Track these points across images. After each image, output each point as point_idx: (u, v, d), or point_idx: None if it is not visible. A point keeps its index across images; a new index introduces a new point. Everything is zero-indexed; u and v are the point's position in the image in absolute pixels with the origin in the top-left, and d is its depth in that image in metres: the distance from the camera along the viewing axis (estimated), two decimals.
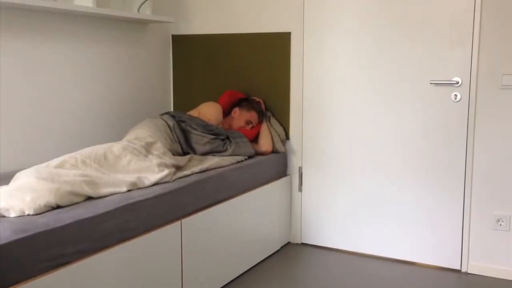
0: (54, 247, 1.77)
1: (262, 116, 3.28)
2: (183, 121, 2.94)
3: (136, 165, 2.40)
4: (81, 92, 3.01)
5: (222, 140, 2.98)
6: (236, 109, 3.27)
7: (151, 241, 2.18)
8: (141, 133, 2.69)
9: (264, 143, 3.17)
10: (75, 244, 1.84)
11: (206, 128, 2.97)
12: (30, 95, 2.72)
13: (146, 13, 3.28)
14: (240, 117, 3.25)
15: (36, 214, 1.87)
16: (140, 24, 3.41)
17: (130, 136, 2.68)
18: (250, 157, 3.06)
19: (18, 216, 1.85)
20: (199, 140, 2.90)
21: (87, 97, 3.05)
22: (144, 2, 3.24)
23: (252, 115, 3.25)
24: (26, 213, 1.87)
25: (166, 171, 2.42)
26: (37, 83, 2.75)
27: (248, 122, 3.24)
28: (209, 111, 3.19)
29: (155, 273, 2.22)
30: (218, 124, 3.16)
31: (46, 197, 1.93)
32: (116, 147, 2.43)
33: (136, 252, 2.10)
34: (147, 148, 2.54)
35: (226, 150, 2.95)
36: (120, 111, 3.29)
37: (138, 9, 3.25)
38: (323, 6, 3.15)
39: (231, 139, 3.01)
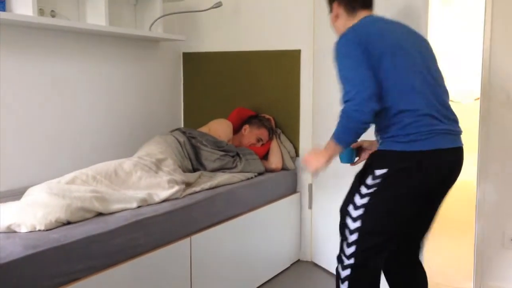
0: (64, 263, 1.77)
1: (272, 133, 3.29)
2: (193, 137, 2.96)
3: (147, 182, 2.41)
4: (92, 109, 3.04)
5: (232, 157, 2.99)
6: (246, 126, 3.29)
7: (161, 258, 2.18)
8: (152, 149, 2.70)
9: (274, 160, 3.17)
10: (85, 260, 1.85)
11: (216, 144, 2.98)
12: (42, 112, 2.75)
13: (158, 31, 3.33)
14: (250, 134, 3.26)
15: (47, 230, 1.88)
16: (151, 42, 3.45)
17: (141, 152, 2.70)
18: (260, 174, 3.06)
19: (29, 232, 1.86)
20: (209, 156, 2.91)
21: (99, 114, 3.08)
22: (155, 20, 3.28)
23: (263, 132, 3.26)
24: (37, 228, 1.88)
25: (176, 188, 2.43)
26: (49, 100, 2.79)
27: (258, 140, 3.25)
28: (219, 128, 3.20)
29: None
30: (228, 141, 3.17)
31: (57, 213, 1.94)
32: (126, 163, 2.45)
33: (146, 268, 2.10)
34: (157, 165, 2.55)
35: (236, 166, 2.95)
36: (131, 127, 3.32)
37: (150, 28, 3.30)
38: None
39: (241, 156, 3.01)
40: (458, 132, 1.96)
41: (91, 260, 1.87)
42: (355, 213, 1.90)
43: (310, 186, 3.32)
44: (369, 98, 1.79)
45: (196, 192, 2.55)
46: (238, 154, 3.02)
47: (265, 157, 3.22)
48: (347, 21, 2.06)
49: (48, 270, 1.72)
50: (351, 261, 1.87)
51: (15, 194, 2.38)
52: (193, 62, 3.70)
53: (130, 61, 3.29)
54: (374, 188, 1.89)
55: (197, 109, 3.70)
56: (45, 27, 2.68)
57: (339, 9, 2.10)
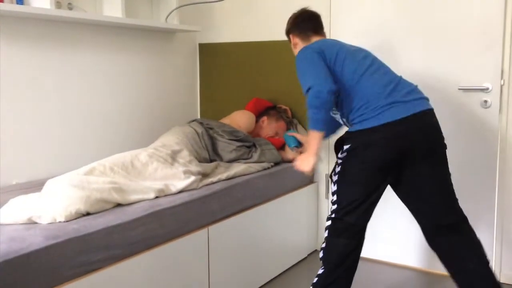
0: (84, 253, 1.80)
1: (290, 125, 3.28)
2: (211, 128, 2.96)
3: (163, 172, 2.42)
4: (110, 101, 3.07)
5: (248, 147, 2.99)
6: (265, 118, 3.28)
7: (179, 248, 2.20)
8: (168, 140, 2.72)
9: (291, 151, 3.16)
10: (104, 250, 1.87)
11: (233, 134, 2.98)
12: (62, 104, 2.78)
13: (174, 22, 3.33)
14: (269, 127, 3.25)
15: (67, 221, 1.91)
16: (167, 33, 3.46)
17: (157, 143, 2.71)
18: (276, 164, 3.06)
19: (50, 223, 1.89)
20: (226, 147, 2.91)
21: (116, 105, 3.11)
22: (172, 11, 3.29)
23: (281, 125, 3.25)
24: (58, 220, 1.90)
25: (192, 178, 2.44)
26: (68, 92, 2.82)
27: (276, 133, 3.25)
28: (241, 119, 3.20)
29: (182, 280, 2.23)
30: (248, 132, 3.17)
31: (77, 205, 1.97)
32: (143, 154, 2.47)
33: (164, 258, 2.12)
34: (173, 156, 2.56)
35: (251, 157, 2.95)
36: (148, 118, 3.34)
37: (166, 19, 3.30)
38: (349, 12, 3.14)
39: (257, 146, 3.01)
40: (408, 101, 2.16)
41: (110, 250, 1.89)
42: (334, 178, 2.27)
43: (327, 176, 3.31)
44: (325, 80, 2.15)
45: (213, 183, 2.56)
46: (254, 145, 3.02)
47: (282, 147, 3.21)
48: (304, 46, 2.39)
49: (68, 260, 1.74)
50: (332, 215, 2.24)
51: (35, 186, 2.42)
52: (209, 53, 3.70)
53: (147, 52, 3.31)
54: (343, 160, 2.23)
55: (213, 100, 3.71)
56: (62, 20, 2.70)
57: (295, 39, 2.53)
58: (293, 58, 3.43)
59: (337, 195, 2.24)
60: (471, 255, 2.18)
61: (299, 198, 3.13)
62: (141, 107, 3.29)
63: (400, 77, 2.27)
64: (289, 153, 3.15)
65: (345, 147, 2.21)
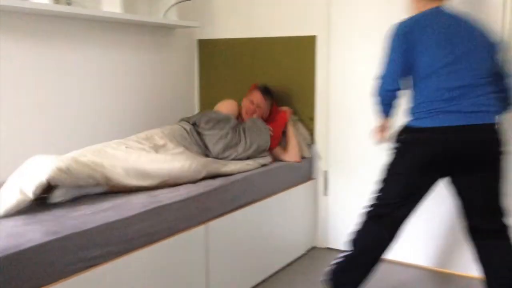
0: (82, 249, 1.80)
1: (269, 95, 3.21)
2: (196, 124, 2.94)
3: (148, 157, 2.42)
4: (108, 97, 3.06)
5: (234, 129, 2.95)
6: (244, 98, 3.23)
7: (177, 244, 2.20)
8: (152, 133, 2.72)
9: (292, 154, 3.13)
10: (103, 246, 1.87)
11: (215, 118, 2.95)
12: (60, 100, 2.77)
13: (173, 18, 3.32)
14: (245, 100, 3.21)
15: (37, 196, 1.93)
16: (166, 29, 3.45)
17: (141, 135, 2.70)
18: (276, 161, 3.06)
19: (48, 216, 1.88)
20: (211, 139, 2.87)
21: (115, 101, 3.10)
22: (170, 7, 3.28)
23: (254, 94, 3.17)
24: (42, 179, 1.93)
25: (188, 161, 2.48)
26: (66, 88, 2.81)
27: (251, 102, 3.16)
28: (221, 106, 3.19)
29: (181, 276, 2.24)
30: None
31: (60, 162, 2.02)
32: (123, 146, 2.48)
33: (163, 254, 2.13)
34: (156, 150, 2.56)
35: (240, 141, 2.92)
36: (147, 114, 3.33)
37: (165, 14, 3.29)
38: (348, 9, 3.14)
39: (244, 128, 2.98)
40: (468, 112, 2.13)
41: (109, 246, 1.89)
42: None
43: (326, 173, 3.31)
44: (390, 77, 2.25)
45: (212, 178, 2.55)
46: (239, 126, 2.99)
47: (281, 142, 3.17)
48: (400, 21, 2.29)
49: (67, 256, 1.74)
50: (374, 202, 2.32)
51: None
52: (208, 49, 3.69)
53: (146, 48, 3.30)
54: (393, 152, 2.30)
55: (212, 96, 3.70)
56: (61, 15, 2.69)
57: None
58: (292, 56, 3.40)
59: (382, 185, 2.31)
60: (504, 262, 2.21)
61: (297, 194, 3.14)
62: (139, 102, 3.28)
63: (480, 84, 2.16)
64: (290, 156, 3.12)
65: (398, 140, 2.28)
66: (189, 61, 3.70)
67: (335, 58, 3.21)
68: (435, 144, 2.16)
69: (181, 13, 3.43)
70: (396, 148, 2.28)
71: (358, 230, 2.34)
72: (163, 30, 3.42)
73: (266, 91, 3.21)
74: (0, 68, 2.48)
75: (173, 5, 3.27)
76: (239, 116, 3.21)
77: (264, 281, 2.83)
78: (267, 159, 3.01)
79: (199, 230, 2.33)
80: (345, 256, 2.34)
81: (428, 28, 2.19)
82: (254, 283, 2.76)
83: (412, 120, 2.23)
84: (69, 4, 2.73)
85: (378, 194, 2.31)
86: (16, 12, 2.51)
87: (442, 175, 2.25)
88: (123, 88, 3.16)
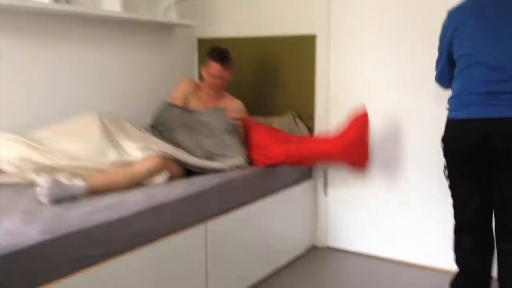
0: (81, 248, 1.79)
1: (227, 62, 2.97)
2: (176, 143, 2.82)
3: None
4: (108, 95, 3.06)
5: (196, 119, 2.85)
6: (202, 67, 3.07)
7: (177, 243, 2.20)
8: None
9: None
10: (101, 245, 1.87)
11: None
12: (58, 98, 2.77)
13: (172, 17, 3.32)
14: (205, 75, 3.00)
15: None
16: (166, 27, 3.44)
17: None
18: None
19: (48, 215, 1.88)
20: (189, 151, 2.76)
21: (113, 99, 3.10)
22: (170, 6, 3.27)
23: (212, 67, 2.93)
24: None
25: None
26: (65, 86, 2.81)
27: (214, 77, 2.95)
28: (173, 92, 3.08)
29: (180, 275, 2.23)
30: (186, 96, 3.03)
31: None
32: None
33: (161, 254, 2.12)
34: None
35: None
36: (146, 113, 3.32)
37: (165, 13, 3.29)
38: (348, 8, 3.13)
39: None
40: (501, 105, 2.08)
41: (108, 245, 1.89)
42: (445, 173, 2.33)
43: (326, 172, 3.30)
44: (439, 73, 2.39)
45: (207, 175, 2.56)
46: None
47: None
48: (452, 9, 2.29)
49: (65, 255, 1.74)
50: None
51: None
52: (208, 48, 3.68)
53: (146, 47, 3.29)
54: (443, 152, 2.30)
55: None
56: (60, 14, 2.69)
57: None
58: (292, 54, 3.39)
59: (450, 192, 2.29)
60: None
61: (297, 194, 3.13)
62: (138, 101, 3.28)
63: None
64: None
65: (442, 139, 2.28)
66: (189, 59, 3.70)
67: (335, 57, 3.20)
68: (462, 135, 2.16)
69: (181, 12, 3.43)
70: (442, 147, 2.27)
71: (454, 246, 2.28)
72: (163, 28, 3.42)
73: (223, 59, 2.94)
74: (0, 67, 2.48)
75: (173, 4, 3.27)
76: (198, 89, 3.08)
77: (263, 280, 2.82)
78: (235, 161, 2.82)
79: (199, 229, 2.33)
80: (456, 277, 2.30)
81: (466, 20, 2.16)
82: (254, 281, 2.75)
83: (449, 111, 2.22)
84: (68, 2, 2.73)
85: (452, 203, 2.28)
86: (16, 10, 2.51)
87: (482, 167, 2.17)
88: (123, 87, 3.15)
